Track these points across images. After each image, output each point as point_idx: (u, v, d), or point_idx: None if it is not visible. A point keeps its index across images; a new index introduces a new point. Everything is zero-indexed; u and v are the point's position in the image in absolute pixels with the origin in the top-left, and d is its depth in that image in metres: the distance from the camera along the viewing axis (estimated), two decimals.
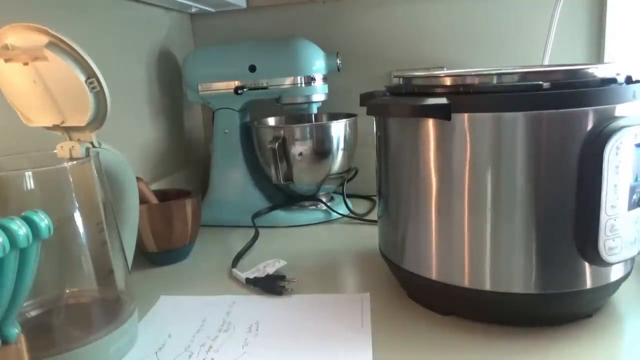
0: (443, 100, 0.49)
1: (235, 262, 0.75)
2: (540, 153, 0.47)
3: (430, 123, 0.51)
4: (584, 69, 0.49)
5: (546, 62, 0.88)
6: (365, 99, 0.61)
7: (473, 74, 0.50)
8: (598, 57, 0.97)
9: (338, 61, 0.95)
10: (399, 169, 0.57)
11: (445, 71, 0.60)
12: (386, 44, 1.05)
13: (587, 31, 0.97)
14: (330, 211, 0.94)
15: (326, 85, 0.95)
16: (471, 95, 0.48)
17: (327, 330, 0.55)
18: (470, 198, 0.50)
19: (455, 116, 0.48)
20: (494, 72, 0.50)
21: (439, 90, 0.51)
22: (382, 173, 0.61)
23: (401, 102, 0.53)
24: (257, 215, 0.93)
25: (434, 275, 0.54)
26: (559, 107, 0.46)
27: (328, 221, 0.93)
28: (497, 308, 0.53)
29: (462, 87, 0.50)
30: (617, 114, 0.47)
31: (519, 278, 0.50)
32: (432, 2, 1.02)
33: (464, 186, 0.50)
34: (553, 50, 0.87)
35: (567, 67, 0.50)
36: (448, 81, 0.51)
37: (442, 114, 0.49)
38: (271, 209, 0.95)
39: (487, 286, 0.51)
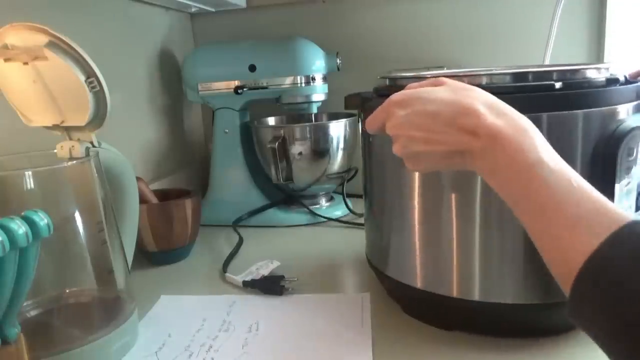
0: None
1: (225, 266, 0.73)
2: None
3: None
4: (590, 68, 0.47)
5: (547, 62, 0.88)
6: (351, 101, 0.59)
7: (462, 74, 0.49)
8: (598, 57, 0.97)
9: (338, 61, 0.95)
10: (383, 172, 0.56)
11: (431, 71, 0.58)
12: (386, 44, 1.05)
13: (587, 31, 0.97)
14: (331, 211, 0.94)
15: (326, 85, 0.95)
16: None
17: (327, 330, 0.55)
18: (457, 203, 0.48)
19: None
20: (483, 72, 0.48)
21: None
22: (367, 175, 0.60)
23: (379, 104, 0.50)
24: (238, 220, 0.93)
25: (418, 284, 0.52)
26: (568, 109, 0.44)
27: (328, 221, 0.93)
28: (488, 319, 0.51)
29: None
30: (626, 114, 0.45)
31: (510, 288, 0.48)
32: (433, 2, 1.02)
33: (451, 191, 0.48)
34: (553, 50, 0.86)
35: (573, 67, 0.48)
36: None
37: None
38: (266, 207, 0.95)
39: (476, 296, 0.49)
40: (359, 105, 0.58)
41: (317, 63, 0.92)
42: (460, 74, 0.49)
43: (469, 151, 0.38)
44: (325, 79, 0.94)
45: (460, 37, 1.02)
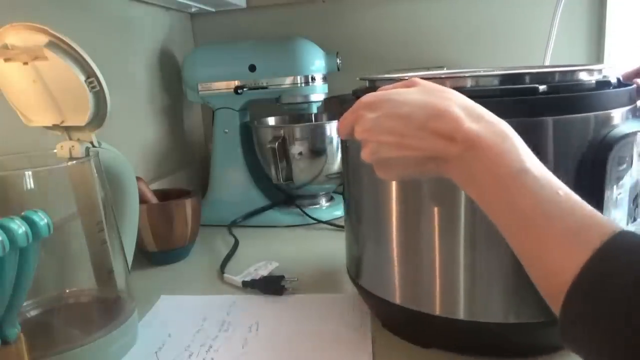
0: None
1: (223, 267, 0.73)
2: None
3: None
4: (581, 70, 0.45)
5: (547, 62, 0.88)
6: (330, 104, 0.57)
7: (444, 76, 0.46)
8: (598, 57, 0.97)
9: (338, 61, 0.95)
10: (359, 177, 0.52)
11: (431, 71, 0.53)
12: (386, 44, 1.05)
13: (587, 31, 0.97)
14: (331, 211, 0.94)
15: (326, 85, 0.95)
16: None
17: (326, 330, 0.55)
18: (440, 212, 0.45)
19: None
20: (464, 74, 0.45)
21: None
22: (345, 181, 0.57)
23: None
24: (233, 222, 0.92)
25: (397, 299, 0.49)
26: (552, 114, 0.41)
27: (327, 221, 0.93)
28: (474, 339, 0.48)
29: None
30: (618, 120, 0.42)
31: (499, 306, 0.44)
32: (433, 2, 1.02)
33: (432, 198, 0.45)
34: (553, 50, 0.87)
35: (561, 68, 0.46)
36: None
37: None
38: (266, 208, 0.95)
39: (461, 315, 0.45)
40: (338, 108, 0.56)
41: (317, 63, 0.92)
42: (442, 76, 0.46)
43: (445, 157, 0.35)
44: (325, 79, 0.94)
45: (460, 37, 1.02)
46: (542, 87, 0.41)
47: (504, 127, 0.35)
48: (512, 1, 0.99)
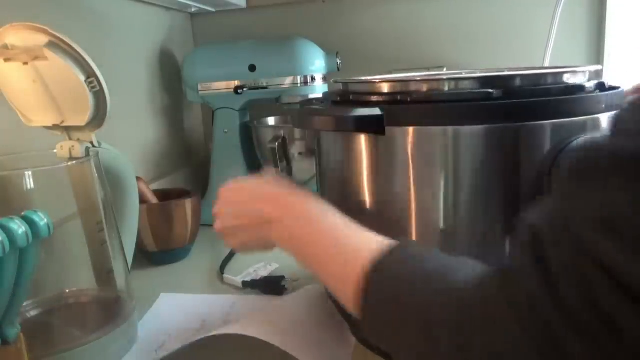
0: (376, 111, 0.40)
1: (223, 268, 0.72)
2: (489, 178, 0.39)
3: (363, 138, 0.42)
4: (545, 73, 0.41)
5: (547, 62, 0.88)
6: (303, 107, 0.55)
7: (412, 79, 0.43)
8: (598, 57, 0.97)
9: (338, 61, 0.95)
10: (332, 186, 0.50)
11: (385, 76, 0.51)
12: (386, 44, 1.05)
13: (587, 31, 0.97)
14: None
15: (326, 85, 0.95)
16: (409, 105, 0.40)
17: (326, 329, 0.55)
18: (417, 220, 0.42)
19: (391, 130, 0.40)
20: (437, 77, 0.43)
21: (375, 98, 0.43)
22: (319, 186, 0.54)
23: (324, 113, 0.45)
24: None
25: None
26: (512, 120, 0.38)
27: None
28: None
29: (399, 95, 0.41)
30: (585, 128, 0.39)
31: None
32: (433, 2, 1.02)
33: (406, 210, 0.42)
34: (553, 51, 0.87)
35: (524, 71, 0.43)
36: (385, 88, 0.43)
37: (374, 127, 0.40)
38: None
39: None
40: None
41: (317, 63, 0.92)
42: (400, 79, 0.44)
43: (269, 220, 0.43)
44: (325, 79, 0.94)
45: (460, 37, 1.02)
46: (496, 92, 0.38)
47: (304, 191, 0.44)
48: (512, 1, 0.99)
